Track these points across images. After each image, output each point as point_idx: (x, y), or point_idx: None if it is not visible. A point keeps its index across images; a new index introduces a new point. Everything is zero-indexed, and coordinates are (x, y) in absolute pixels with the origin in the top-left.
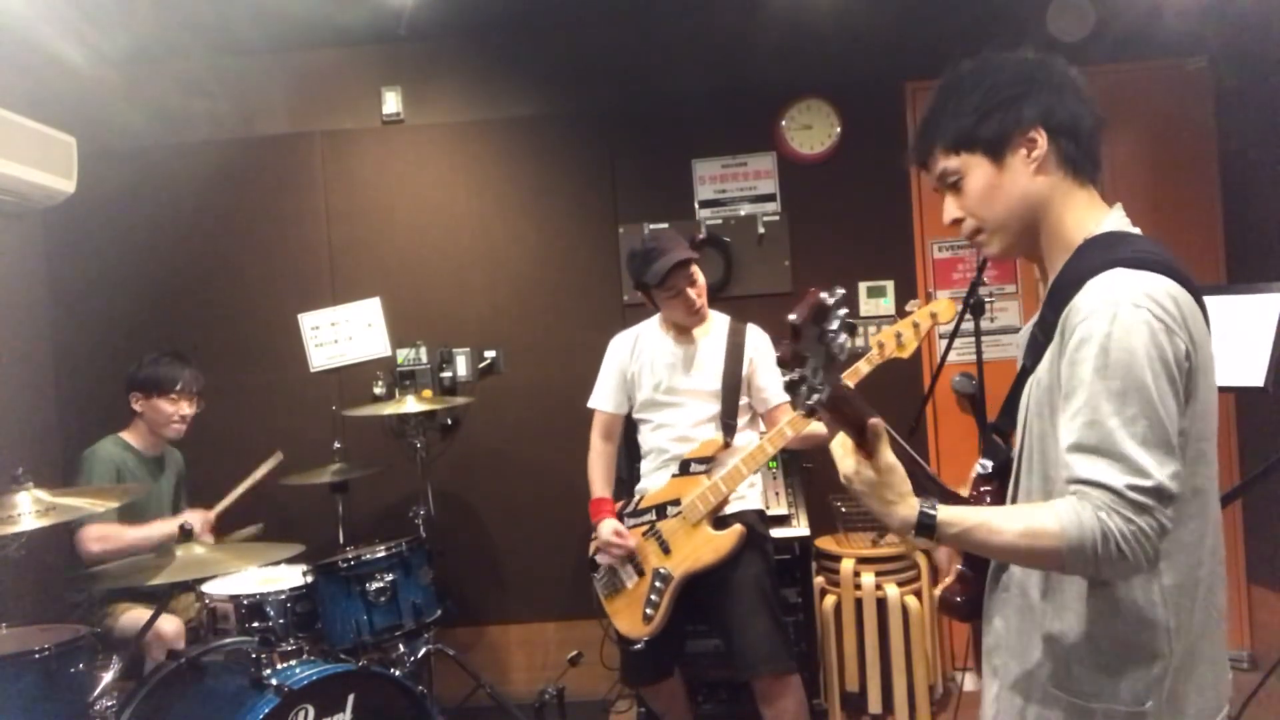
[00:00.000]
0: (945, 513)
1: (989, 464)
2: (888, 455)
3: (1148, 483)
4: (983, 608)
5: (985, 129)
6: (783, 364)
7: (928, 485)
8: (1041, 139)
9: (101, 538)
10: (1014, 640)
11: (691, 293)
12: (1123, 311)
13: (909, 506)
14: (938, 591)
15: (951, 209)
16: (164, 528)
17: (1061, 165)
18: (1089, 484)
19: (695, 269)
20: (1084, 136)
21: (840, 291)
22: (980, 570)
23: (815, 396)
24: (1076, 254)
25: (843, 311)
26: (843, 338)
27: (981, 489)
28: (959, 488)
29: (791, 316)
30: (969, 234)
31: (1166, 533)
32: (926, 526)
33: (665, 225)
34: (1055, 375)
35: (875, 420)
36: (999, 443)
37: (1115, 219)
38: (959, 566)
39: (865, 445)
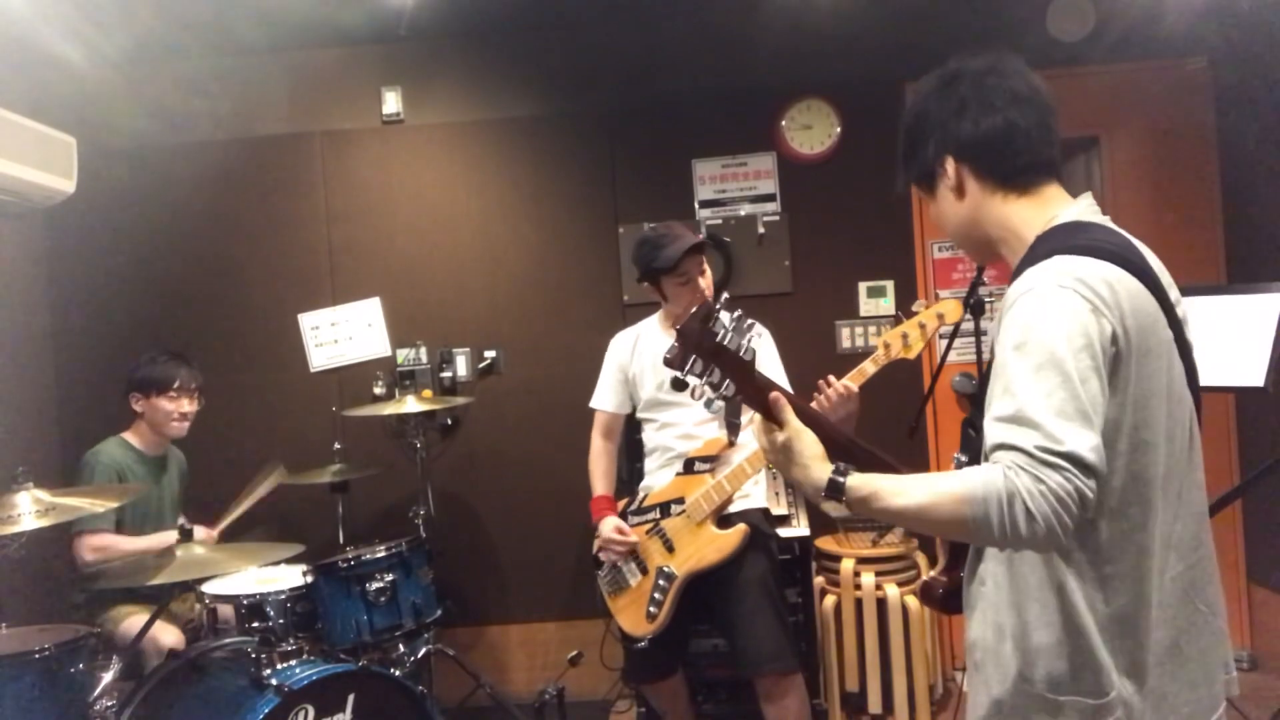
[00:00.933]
0: (856, 477)
1: (964, 457)
2: (794, 422)
3: (1059, 447)
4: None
5: (911, 174)
6: (667, 364)
7: (864, 460)
8: (950, 168)
9: (98, 548)
10: (988, 634)
11: (702, 282)
12: (1047, 292)
13: (821, 470)
14: (920, 581)
15: None
16: (161, 540)
17: (982, 182)
18: (1001, 447)
19: (704, 260)
20: (996, 148)
21: (725, 296)
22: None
23: (717, 393)
24: (1029, 249)
25: (736, 312)
26: (732, 336)
27: None
28: None
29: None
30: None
31: (1087, 501)
32: (835, 489)
33: None
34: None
35: (774, 394)
36: (973, 435)
37: (1076, 210)
38: (945, 560)
39: (775, 419)
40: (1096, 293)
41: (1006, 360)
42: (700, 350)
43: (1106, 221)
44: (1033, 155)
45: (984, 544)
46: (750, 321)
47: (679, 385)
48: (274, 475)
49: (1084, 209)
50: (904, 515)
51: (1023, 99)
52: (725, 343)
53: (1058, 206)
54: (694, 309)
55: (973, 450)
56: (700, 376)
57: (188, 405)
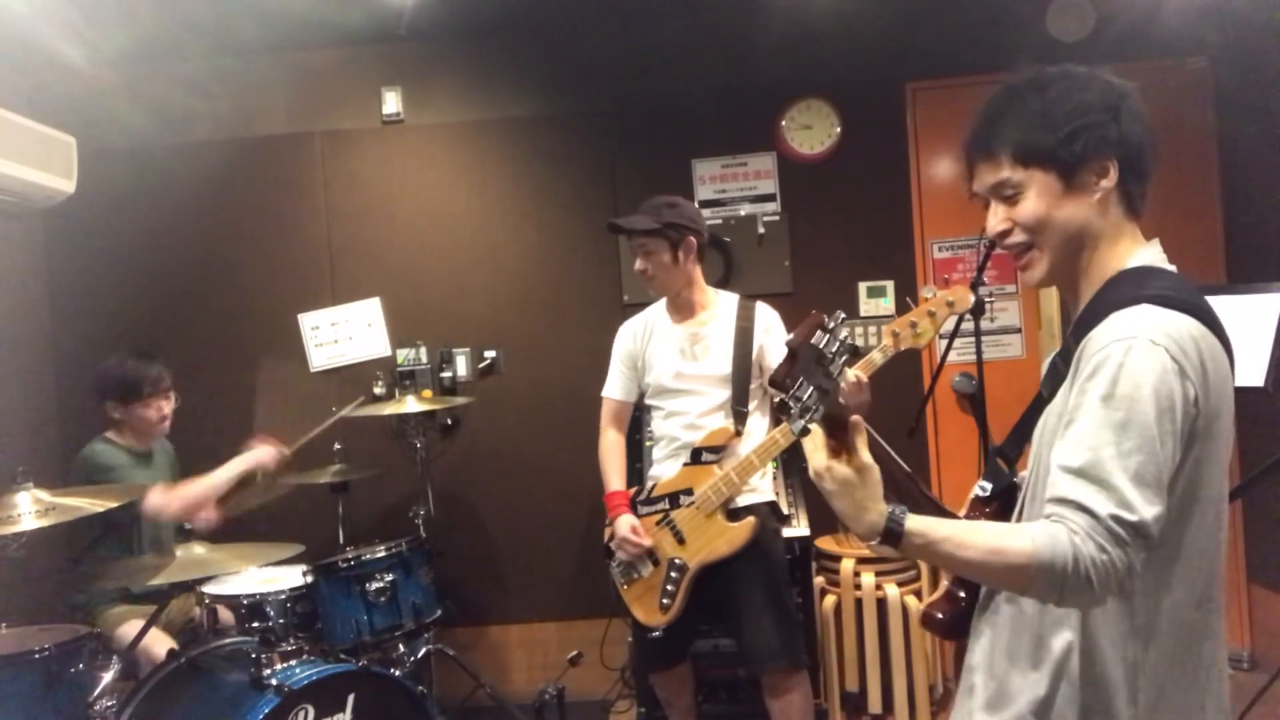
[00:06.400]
0: (914, 522)
1: (989, 486)
2: (865, 455)
3: (1132, 517)
4: (968, 625)
5: (1067, 150)
6: (775, 385)
7: (916, 497)
8: (1114, 170)
9: (163, 505)
10: (998, 662)
11: (640, 265)
12: (1139, 346)
13: (878, 512)
14: (922, 606)
15: (1000, 221)
16: (233, 469)
17: (1121, 200)
18: (1071, 505)
19: (649, 246)
20: (1146, 175)
21: (840, 315)
22: (970, 591)
23: (808, 418)
24: (1105, 286)
25: (843, 335)
26: (842, 361)
27: (979, 512)
28: (957, 509)
29: (788, 338)
30: (1016, 249)
31: (1135, 573)
32: (893, 534)
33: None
34: (1066, 405)
35: (856, 418)
36: (1002, 467)
37: (1150, 254)
38: (947, 584)
39: (844, 443)
40: (1185, 352)
41: (1089, 408)
42: (809, 374)
43: (1174, 269)
44: (1149, 189)
45: (1034, 597)
46: (851, 343)
47: (785, 409)
48: (353, 403)
49: (1157, 254)
50: (964, 566)
51: (1155, 135)
52: (831, 369)
53: (1138, 245)
54: (807, 323)
55: (999, 482)
56: (801, 399)
57: (165, 406)
